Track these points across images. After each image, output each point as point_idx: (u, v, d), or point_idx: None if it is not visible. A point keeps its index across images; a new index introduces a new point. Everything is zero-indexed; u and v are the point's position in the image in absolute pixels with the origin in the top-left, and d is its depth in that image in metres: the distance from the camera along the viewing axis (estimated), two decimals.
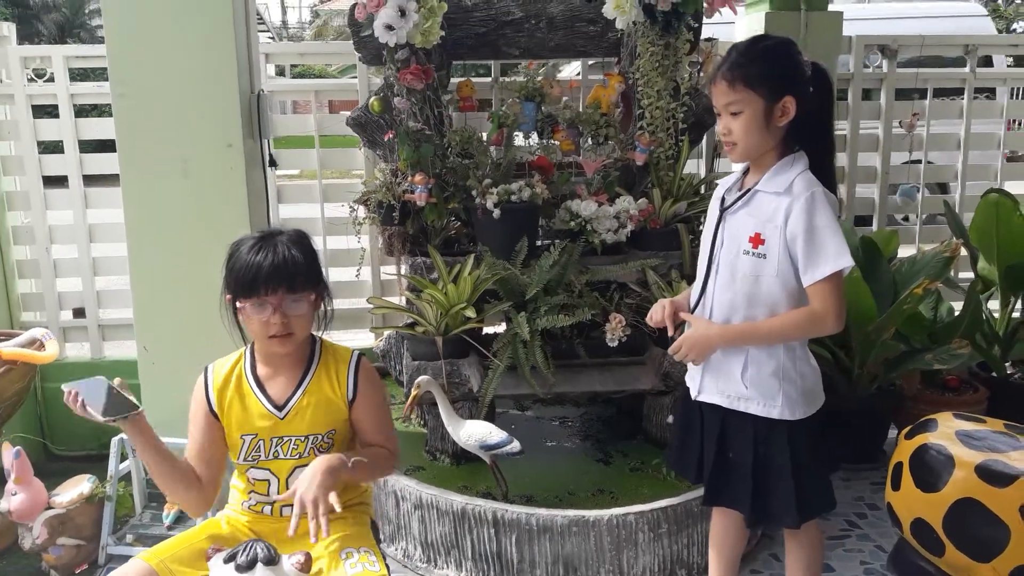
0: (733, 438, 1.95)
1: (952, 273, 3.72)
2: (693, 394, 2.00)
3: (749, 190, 1.89)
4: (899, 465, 2.42)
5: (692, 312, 1.99)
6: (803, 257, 1.79)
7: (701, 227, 2.70)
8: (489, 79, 3.64)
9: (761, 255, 1.83)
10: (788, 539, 2.10)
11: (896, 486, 2.41)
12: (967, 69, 4.05)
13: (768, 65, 1.82)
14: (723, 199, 1.97)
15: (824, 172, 1.86)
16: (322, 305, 1.87)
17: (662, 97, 2.97)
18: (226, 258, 1.80)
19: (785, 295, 1.84)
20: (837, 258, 1.78)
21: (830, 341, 3.19)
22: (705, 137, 3.35)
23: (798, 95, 1.81)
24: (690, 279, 2.31)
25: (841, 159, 3.99)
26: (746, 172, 1.97)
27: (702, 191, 3.13)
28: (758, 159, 1.89)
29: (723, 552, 2.18)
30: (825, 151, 1.89)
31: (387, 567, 1.78)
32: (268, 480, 1.84)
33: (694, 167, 3.57)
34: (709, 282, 1.94)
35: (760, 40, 1.91)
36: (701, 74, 3.12)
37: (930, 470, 2.30)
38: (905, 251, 3.61)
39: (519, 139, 3.17)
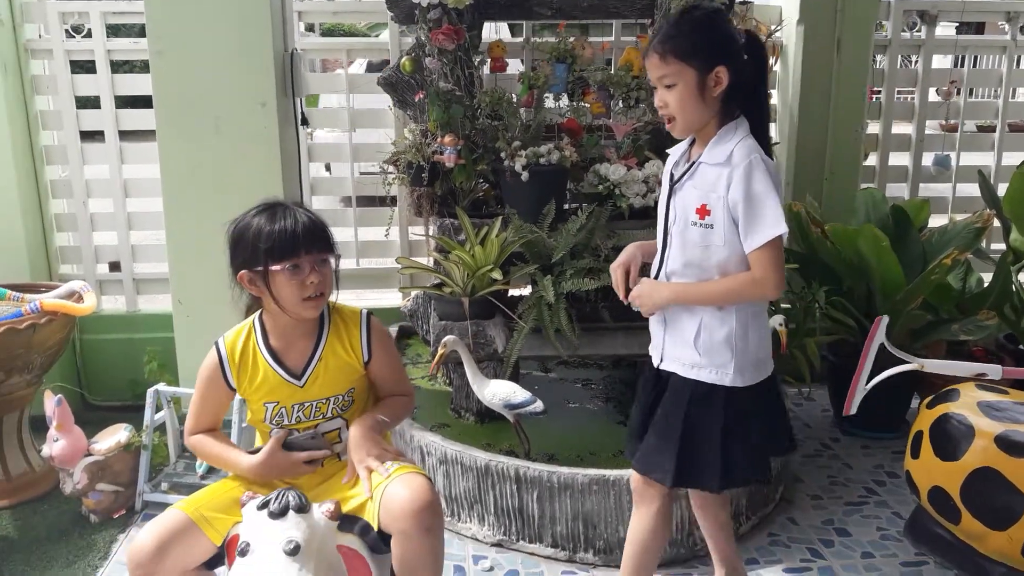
0: (668, 399, 1.98)
1: (984, 244, 3.67)
2: (655, 362, 2.04)
3: (694, 163, 1.92)
4: (919, 434, 2.43)
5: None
6: (743, 224, 1.82)
7: None
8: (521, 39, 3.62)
9: (708, 225, 1.87)
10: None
11: (915, 454, 2.43)
12: (1008, 36, 3.97)
13: (698, 36, 1.83)
14: (671, 174, 1.99)
15: (760, 140, 1.87)
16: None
17: None
18: (233, 236, 1.81)
19: (735, 262, 1.87)
20: (775, 225, 1.80)
21: (856, 310, 3.19)
22: None
23: (730, 64, 1.82)
24: None
25: (874, 127, 3.94)
26: (692, 143, 1.98)
27: None
28: (701, 130, 1.91)
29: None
30: (760, 119, 1.90)
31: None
32: None
33: None
34: (665, 252, 1.98)
35: (690, 11, 1.91)
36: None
37: (950, 439, 2.31)
38: (937, 220, 3.57)
39: (549, 101, 3.17)
